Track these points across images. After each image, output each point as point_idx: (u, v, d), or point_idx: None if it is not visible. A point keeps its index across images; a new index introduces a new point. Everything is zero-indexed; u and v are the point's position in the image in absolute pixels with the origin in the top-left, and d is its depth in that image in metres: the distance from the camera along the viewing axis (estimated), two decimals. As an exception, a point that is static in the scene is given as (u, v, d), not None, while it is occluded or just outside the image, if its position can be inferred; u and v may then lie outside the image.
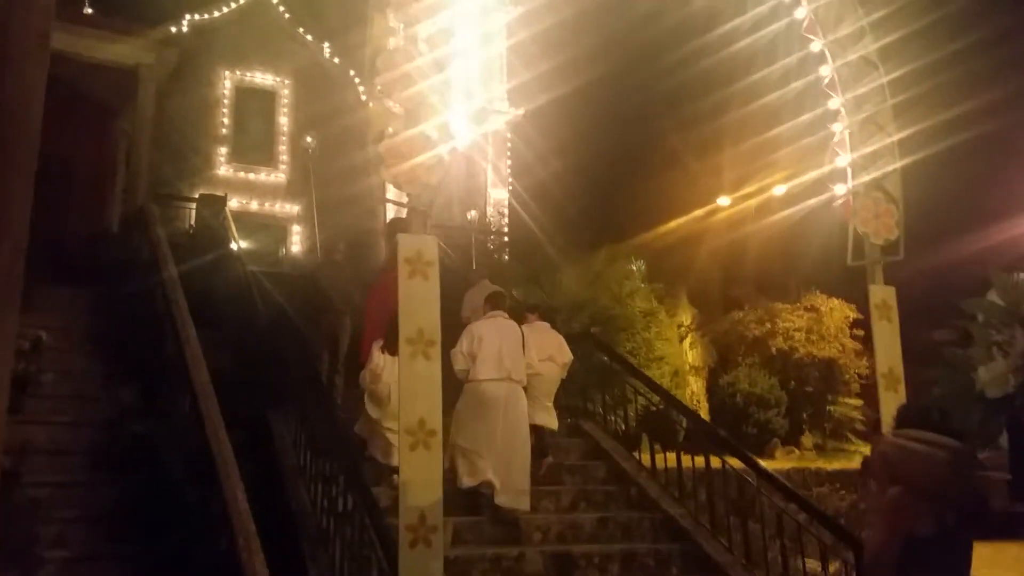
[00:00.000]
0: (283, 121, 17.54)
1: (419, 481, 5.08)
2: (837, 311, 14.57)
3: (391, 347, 7.69)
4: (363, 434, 7.91)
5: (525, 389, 8.02)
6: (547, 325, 9.21)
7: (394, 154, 5.38)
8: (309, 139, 16.46)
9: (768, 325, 14.35)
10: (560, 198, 15.77)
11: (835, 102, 6.74)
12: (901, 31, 6.69)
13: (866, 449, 15.94)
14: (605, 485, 8.74)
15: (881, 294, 6.57)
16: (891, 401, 6.45)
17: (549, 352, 8.91)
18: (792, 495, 7.89)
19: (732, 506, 7.97)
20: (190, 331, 7.60)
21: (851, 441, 15.37)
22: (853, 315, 14.55)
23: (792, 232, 14.59)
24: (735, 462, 8.16)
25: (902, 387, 6.49)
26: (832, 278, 14.53)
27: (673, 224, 16.52)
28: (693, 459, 8.37)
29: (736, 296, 15.11)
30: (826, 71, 6.73)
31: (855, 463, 14.21)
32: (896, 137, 6.82)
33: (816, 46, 6.70)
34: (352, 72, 17.92)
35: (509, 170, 17.63)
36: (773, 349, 14.22)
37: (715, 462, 8.23)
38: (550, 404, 8.91)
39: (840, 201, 6.73)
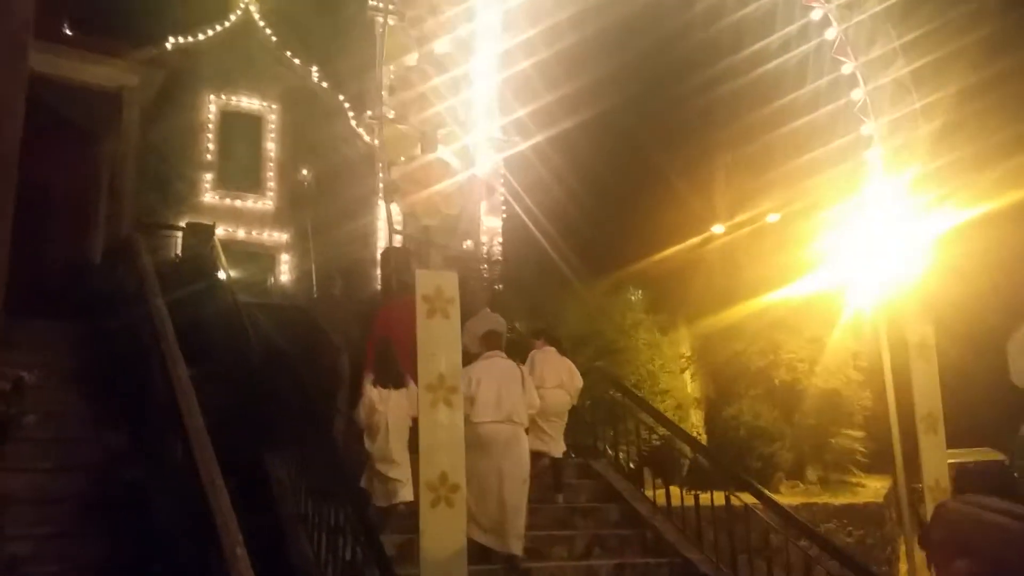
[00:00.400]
0: (270, 147, 17.16)
1: (441, 542, 4.66)
2: (841, 342, 14.26)
3: (382, 379, 7.48)
4: (366, 484, 7.47)
5: (527, 430, 7.72)
6: (554, 350, 8.88)
7: (410, 181, 5.00)
8: (305, 172, 16.11)
9: (771, 356, 13.99)
10: (559, 227, 15.42)
11: (868, 127, 6.43)
12: (936, 54, 6.39)
13: (868, 481, 15.59)
14: (619, 529, 8.32)
15: (919, 333, 6.22)
16: (931, 445, 6.08)
17: (560, 378, 8.66)
18: (817, 537, 7.57)
19: (754, 550, 7.60)
20: (181, 370, 7.13)
21: (853, 473, 14.98)
22: (856, 347, 14.24)
23: (794, 262, 14.33)
24: (748, 497, 7.83)
25: (942, 429, 6.14)
26: (834, 308, 14.25)
27: (671, 252, 16.21)
28: (712, 497, 7.95)
29: (736, 326, 14.72)
30: (858, 95, 6.42)
31: (860, 498, 13.87)
32: (933, 165, 6.51)
33: (848, 68, 6.39)
34: (342, 97, 17.58)
35: (503, 198, 17.29)
36: (776, 381, 13.84)
37: (734, 501, 7.85)
38: (560, 431, 8.66)
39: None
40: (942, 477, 5.89)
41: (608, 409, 9.69)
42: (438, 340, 4.84)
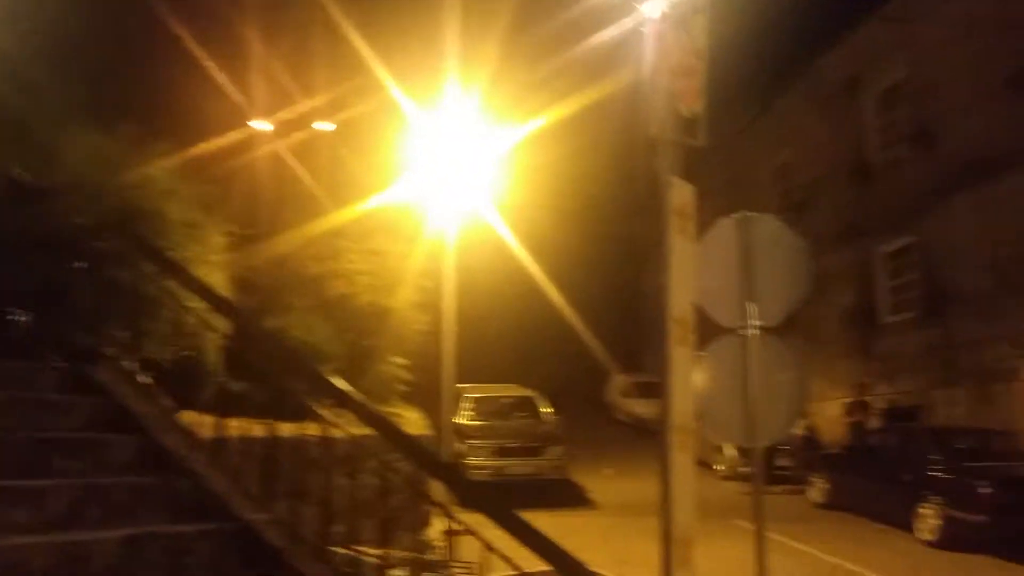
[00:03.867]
0: None
1: None
2: (411, 258, 11.94)
3: None
4: None
5: None
6: None
7: None
8: None
9: (330, 263, 11.05)
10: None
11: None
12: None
13: (404, 412, 13.63)
14: (133, 474, 4.71)
15: (681, 195, 3.79)
16: (681, 359, 3.70)
17: None
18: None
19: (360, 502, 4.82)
20: None
21: (391, 403, 12.81)
22: (426, 265, 12.10)
23: (367, 168, 11.78)
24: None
25: (691, 339, 3.81)
26: (411, 221, 12.01)
27: (217, 132, 12.48)
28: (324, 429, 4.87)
29: (286, 227, 11.53)
30: None
31: (409, 430, 11.77)
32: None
33: None
34: None
35: None
36: (333, 293, 10.94)
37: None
38: None
39: (648, 29, 3.83)
40: (687, 413, 3.54)
41: (129, 293, 5.93)
42: None
